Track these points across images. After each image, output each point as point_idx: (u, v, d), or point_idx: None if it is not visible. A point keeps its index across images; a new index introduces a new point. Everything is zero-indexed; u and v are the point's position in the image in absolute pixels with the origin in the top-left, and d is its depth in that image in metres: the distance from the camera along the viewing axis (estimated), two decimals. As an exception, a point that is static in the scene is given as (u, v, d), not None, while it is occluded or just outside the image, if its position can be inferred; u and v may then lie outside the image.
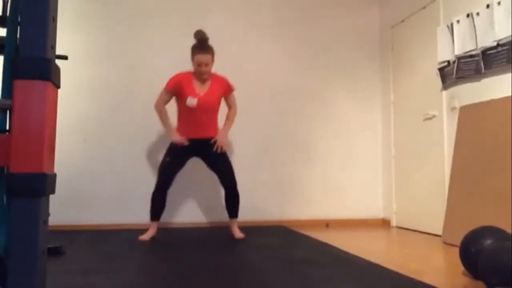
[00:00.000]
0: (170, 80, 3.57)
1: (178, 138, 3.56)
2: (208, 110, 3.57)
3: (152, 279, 2.26)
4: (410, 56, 4.42)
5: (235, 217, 3.76)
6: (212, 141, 3.61)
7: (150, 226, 3.64)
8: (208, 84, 3.60)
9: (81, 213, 4.21)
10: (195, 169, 4.49)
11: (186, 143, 3.56)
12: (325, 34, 4.90)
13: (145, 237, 3.56)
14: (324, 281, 2.21)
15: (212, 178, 4.45)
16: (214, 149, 3.59)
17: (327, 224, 4.63)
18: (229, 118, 3.73)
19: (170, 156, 3.62)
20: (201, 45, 3.54)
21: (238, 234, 3.70)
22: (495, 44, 3.24)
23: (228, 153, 3.77)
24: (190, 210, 4.44)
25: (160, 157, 4.41)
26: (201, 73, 3.51)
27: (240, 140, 4.56)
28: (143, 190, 4.36)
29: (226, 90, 3.67)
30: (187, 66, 4.53)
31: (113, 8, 4.51)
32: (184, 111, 3.58)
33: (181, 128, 3.63)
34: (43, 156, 1.12)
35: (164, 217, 4.35)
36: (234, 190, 3.68)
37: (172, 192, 4.39)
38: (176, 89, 3.55)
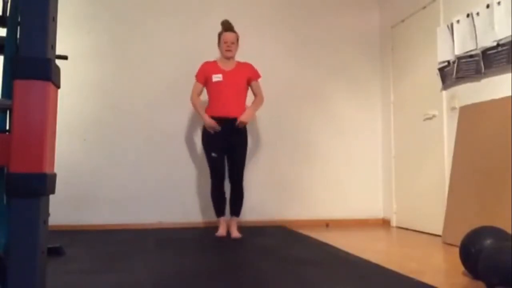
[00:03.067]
0: (198, 70, 3.77)
1: (211, 122, 3.65)
2: (234, 86, 3.70)
3: (152, 279, 2.26)
4: (410, 56, 4.42)
5: (236, 215, 3.79)
6: (237, 120, 3.69)
7: (219, 222, 3.78)
8: (233, 64, 3.78)
9: (81, 213, 4.21)
10: (192, 167, 4.49)
11: (218, 128, 3.65)
12: (325, 34, 4.90)
13: (222, 232, 3.71)
14: (324, 281, 2.21)
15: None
16: (236, 123, 3.67)
17: (327, 224, 4.63)
18: (255, 103, 3.85)
19: (212, 150, 3.71)
20: (228, 27, 3.77)
21: (235, 233, 3.70)
22: (495, 44, 3.24)
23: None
24: (189, 210, 4.43)
25: (160, 157, 4.42)
26: (228, 51, 3.69)
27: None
28: (143, 190, 4.37)
29: (252, 73, 3.82)
30: (188, 65, 4.53)
31: (113, 8, 4.50)
32: (212, 92, 3.72)
33: (210, 108, 3.74)
34: (43, 156, 1.12)
35: (163, 217, 4.36)
36: (239, 186, 3.75)
37: (171, 192, 4.40)
38: (204, 75, 3.72)
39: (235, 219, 3.80)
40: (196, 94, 3.76)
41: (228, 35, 3.72)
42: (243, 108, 3.75)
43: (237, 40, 3.80)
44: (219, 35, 3.79)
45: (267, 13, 4.80)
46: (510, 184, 2.92)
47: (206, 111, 3.74)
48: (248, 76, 3.78)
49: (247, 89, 3.83)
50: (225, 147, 3.72)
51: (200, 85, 3.76)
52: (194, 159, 4.49)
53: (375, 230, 4.32)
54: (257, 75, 3.85)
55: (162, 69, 4.53)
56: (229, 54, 3.72)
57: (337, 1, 4.97)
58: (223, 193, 3.76)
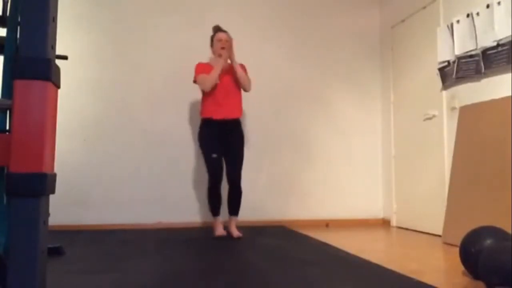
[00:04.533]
0: (196, 68, 3.74)
1: (221, 57, 3.65)
2: (230, 87, 3.70)
3: (152, 279, 2.26)
4: (410, 56, 4.42)
5: (235, 215, 3.79)
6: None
7: (215, 221, 3.75)
8: (226, 65, 3.74)
9: (81, 213, 4.21)
10: (192, 167, 4.50)
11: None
12: (325, 34, 4.90)
13: (220, 232, 3.69)
14: (324, 281, 2.21)
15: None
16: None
17: (327, 224, 4.63)
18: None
19: (211, 151, 3.67)
20: (220, 29, 3.81)
21: (236, 233, 3.71)
22: (495, 44, 3.24)
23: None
24: (188, 210, 4.43)
25: (159, 157, 4.42)
26: (222, 48, 3.68)
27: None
28: (143, 190, 4.37)
29: (241, 68, 3.79)
30: (188, 65, 4.53)
31: (113, 8, 4.51)
32: (209, 93, 3.68)
33: (207, 109, 3.71)
34: (43, 156, 1.12)
35: (163, 217, 4.36)
36: (237, 186, 3.75)
37: (171, 192, 4.40)
38: (204, 71, 3.67)
39: (234, 218, 3.80)
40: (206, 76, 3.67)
41: (222, 34, 3.76)
42: (240, 108, 3.77)
43: (231, 41, 3.74)
44: (212, 37, 3.83)
45: (267, 13, 4.80)
46: (510, 184, 2.92)
47: (202, 112, 3.75)
48: None
49: (240, 88, 3.81)
50: (223, 148, 3.72)
51: (205, 74, 3.67)
52: (193, 159, 4.49)
53: (375, 230, 4.32)
54: (245, 68, 3.82)
55: (162, 69, 4.53)
56: (224, 51, 3.68)
57: (337, 1, 4.97)
58: (219, 194, 3.75)
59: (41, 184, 1.12)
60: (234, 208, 3.79)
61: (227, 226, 3.80)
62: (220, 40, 3.72)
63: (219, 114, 3.67)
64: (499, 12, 3.20)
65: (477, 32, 3.40)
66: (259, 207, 4.56)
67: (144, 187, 4.37)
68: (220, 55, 3.69)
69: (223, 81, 3.68)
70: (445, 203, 3.60)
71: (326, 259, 2.81)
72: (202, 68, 3.73)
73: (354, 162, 4.84)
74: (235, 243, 3.43)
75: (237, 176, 3.74)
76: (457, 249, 2.39)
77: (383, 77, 4.93)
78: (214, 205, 3.75)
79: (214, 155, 3.68)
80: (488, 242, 2.19)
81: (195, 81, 3.75)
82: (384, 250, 3.29)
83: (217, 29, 3.83)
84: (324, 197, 4.73)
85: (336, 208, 4.74)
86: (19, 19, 1.33)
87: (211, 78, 3.62)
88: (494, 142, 3.18)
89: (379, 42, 5.01)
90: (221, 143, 3.70)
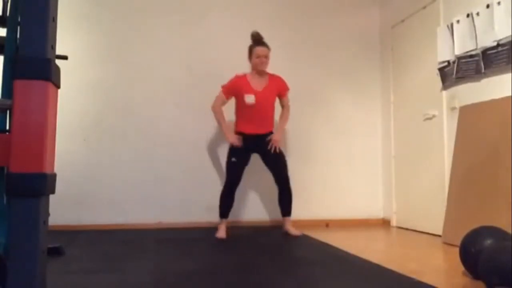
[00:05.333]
0: (227, 84, 3.76)
1: (234, 139, 3.71)
2: (265, 106, 3.76)
3: (152, 279, 2.26)
4: (410, 56, 4.42)
5: (288, 215, 3.90)
6: (267, 139, 3.76)
7: (221, 223, 3.78)
8: (265, 81, 3.81)
9: (81, 213, 4.21)
10: (193, 167, 4.49)
11: (240, 143, 3.69)
12: (325, 34, 4.89)
13: (221, 234, 3.69)
14: (324, 281, 2.21)
15: (212, 177, 4.46)
16: (270, 148, 3.75)
17: (327, 224, 4.63)
18: (284, 118, 3.92)
19: (235, 156, 3.74)
20: (260, 40, 3.79)
21: (294, 232, 3.79)
22: (495, 44, 3.24)
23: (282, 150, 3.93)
24: (189, 210, 4.43)
25: (160, 156, 4.42)
26: (261, 65, 3.72)
27: (240, 140, 4.55)
28: (143, 190, 4.36)
29: (283, 88, 3.89)
30: (188, 65, 4.54)
31: (113, 7, 4.50)
32: (242, 108, 3.76)
33: (239, 124, 3.80)
34: (43, 156, 1.12)
35: (163, 217, 4.36)
36: (287, 187, 3.86)
37: (171, 192, 4.40)
38: (234, 92, 3.75)
39: (288, 219, 3.90)
40: (220, 104, 3.77)
41: (262, 50, 3.75)
42: (272, 122, 3.86)
43: (269, 54, 3.81)
44: (251, 48, 3.79)
45: (267, 13, 4.79)
46: (510, 184, 2.92)
47: (236, 125, 3.82)
48: (278, 92, 3.87)
49: (275, 101, 3.89)
50: (261, 156, 3.83)
51: (225, 99, 3.77)
52: (194, 158, 4.49)
53: (375, 230, 4.32)
54: (286, 90, 3.92)
55: (162, 69, 4.53)
56: (263, 67, 3.75)
57: (337, 1, 4.96)
58: (233, 198, 3.80)
59: (41, 184, 1.12)
60: (286, 209, 3.90)
61: (284, 227, 3.88)
62: (259, 57, 3.72)
63: (253, 130, 3.76)
64: (499, 12, 3.19)
65: (477, 32, 3.40)
66: (259, 207, 4.55)
67: (144, 187, 4.37)
68: (260, 68, 3.73)
69: (260, 103, 3.72)
70: (445, 203, 3.60)
71: (326, 259, 2.81)
72: (232, 88, 3.75)
73: (354, 162, 4.84)
74: (235, 244, 3.43)
75: (285, 177, 3.84)
76: (457, 249, 2.39)
77: (383, 77, 4.93)
78: (224, 208, 3.79)
79: (234, 159, 3.73)
80: (488, 242, 2.19)
81: (222, 87, 3.79)
82: (384, 250, 3.29)
83: (257, 41, 3.77)
84: (324, 197, 4.73)
85: (336, 208, 4.73)
86: (19, 19, 1.33)
87: (217, 122, 3.78)
88: (494, 142, 3.18)
89: (379, 42, 5.00)
90: (255, 152, 3.82)
